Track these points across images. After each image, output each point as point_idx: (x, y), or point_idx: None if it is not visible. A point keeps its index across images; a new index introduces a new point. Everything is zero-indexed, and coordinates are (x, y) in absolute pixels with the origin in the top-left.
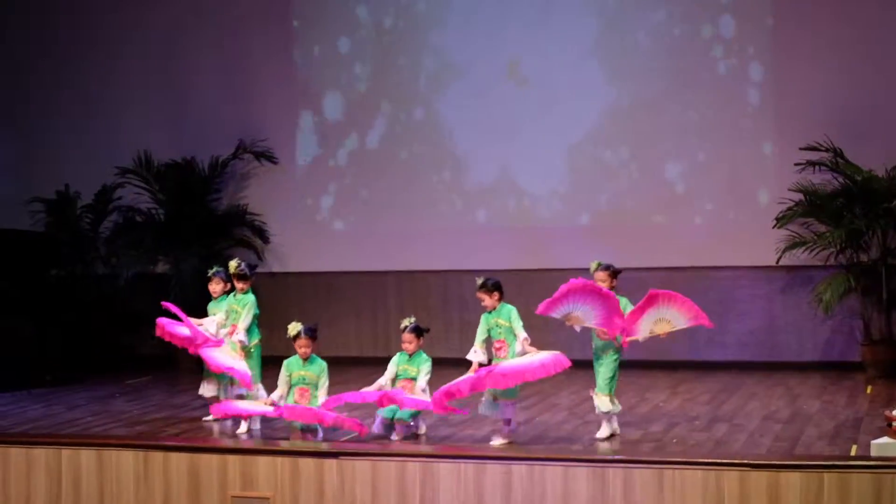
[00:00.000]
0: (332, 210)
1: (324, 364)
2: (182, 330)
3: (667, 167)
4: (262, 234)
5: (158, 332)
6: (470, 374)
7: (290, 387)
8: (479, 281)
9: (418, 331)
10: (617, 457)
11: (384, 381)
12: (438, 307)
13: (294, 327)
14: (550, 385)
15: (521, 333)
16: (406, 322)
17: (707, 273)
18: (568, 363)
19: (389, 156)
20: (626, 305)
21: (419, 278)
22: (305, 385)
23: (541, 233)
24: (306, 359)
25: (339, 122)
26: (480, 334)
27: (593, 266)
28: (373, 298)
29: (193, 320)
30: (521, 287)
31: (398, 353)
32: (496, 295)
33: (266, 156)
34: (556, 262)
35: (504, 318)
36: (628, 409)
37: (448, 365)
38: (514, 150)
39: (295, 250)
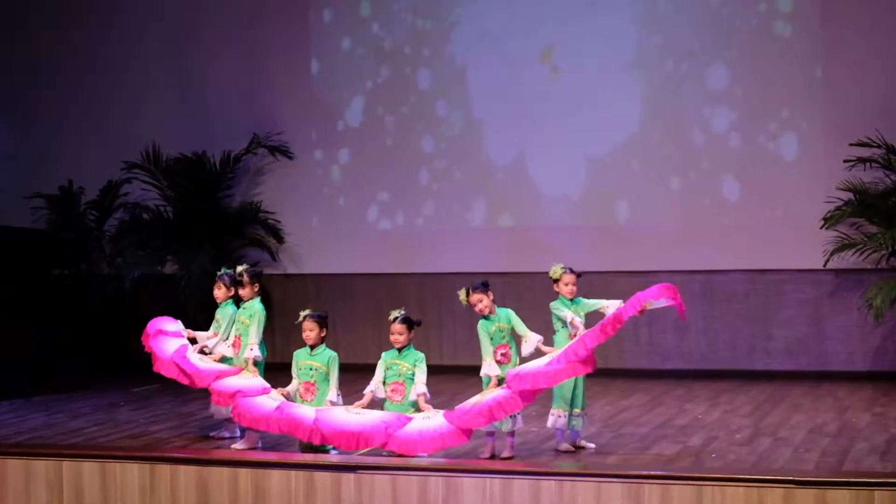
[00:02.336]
0: (351, 208)
1: (332, 354)
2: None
3: (705, 165)
4: (277, 234)
5: (163, 370)
6: (496, 391)
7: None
8: (463, 290)
9: (409, 322)
10: (653, 472)
11: (374, 385)
12: (464, 312)
13: (302, 312)
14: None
15: (534, 334)
16: (395, 313)
17: (750, 277)
18: (593, 365)
19: (411, 152)
20: (585, 304)
21: (443, 281)
22: (311, 379)
23: (566, 234)
24: (312, 347)
25: (358, 117)
26: (487, 344)
27: (559, 270)
28: (393, 302)
29: (188, 332)
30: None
31: (384, 353)
32: (492, 295)
33: (281, 150)
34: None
35: (505, 322)
36: (665, 421)
37: (474, 372)
38: (533, 142)
39: (311, 251)
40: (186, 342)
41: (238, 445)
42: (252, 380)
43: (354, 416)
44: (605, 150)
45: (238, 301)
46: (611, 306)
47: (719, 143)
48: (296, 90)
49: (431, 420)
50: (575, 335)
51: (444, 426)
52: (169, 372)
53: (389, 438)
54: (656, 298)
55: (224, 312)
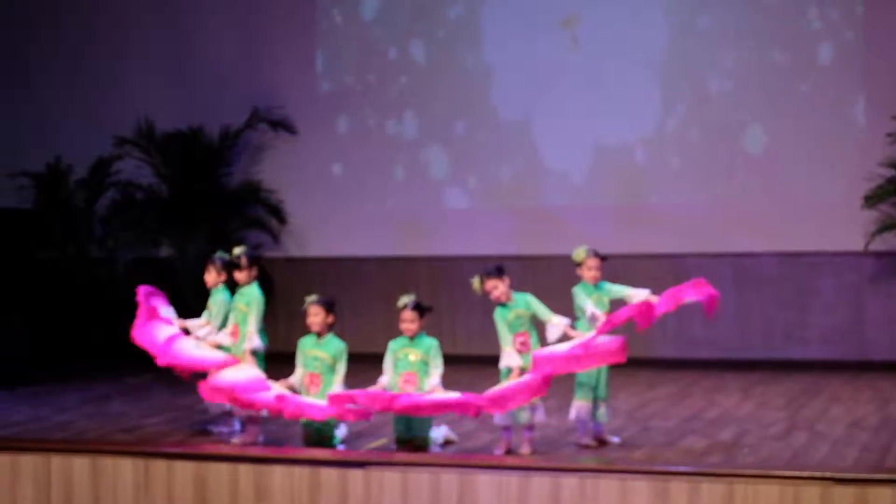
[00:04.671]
0: (357, 187)
1: (341, 345)
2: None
3: (736, 141)
4: (279, 214)
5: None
6: (517, 379)
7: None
8: (477, 277)
9: (420, 308)
10: (681, 468)
11: (386, 380)
12: (479, 299)
13: (308, 298)
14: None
15: (561, 318)
16: (405, 299)
17: (785, 260)
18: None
19: (422, 125)
20: (610, 290)
21: (456, 264)
22: (317, 370)
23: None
24: (319, 335)
25: (365, 88)
26: (506, 333)
27: (583, 253)
28: (403, 287)
29: (180, 322)
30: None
31: (392, 341)
32: (508, 280)
33: (283, 125)
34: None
35: (523, 308)
36: (694, 413)
37: (490, 362)
38: (546, 114)
39: (315, 232)
40: (179, 332)
41: (238, 440)
42: (248, 371)
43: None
44: (625, 126)
45: (233, 286)
46: (637, 296)
47: (752, 117)
48: (299, 60)
49: (444, 395)
50: None
51: (455, 397)
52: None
53: (394, 401)
54: (691, 296)
55: (215, 299)
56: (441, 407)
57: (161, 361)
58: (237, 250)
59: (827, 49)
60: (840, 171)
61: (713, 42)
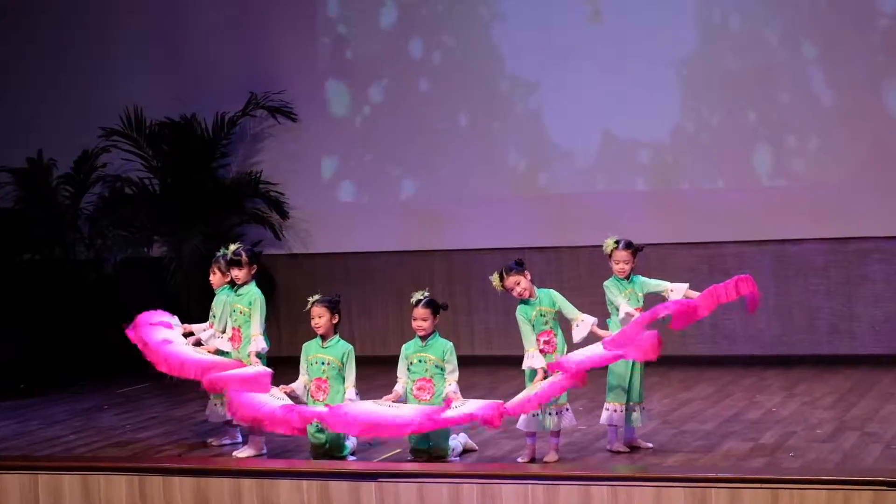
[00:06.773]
0: (364, 177)
1: (348, 347)
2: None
3: (775, 119)
4: (280, 208)
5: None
6: (543, 383)
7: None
8: (496, 273)
9: (434, 306)
10: (721, 475)
11: (401, 387)
12: (498, 295)
13: (311, 298)
14: None
15: (587, 316)
16: (418, 295)
17: (830, 246)
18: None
19: (433, 108)
20: (645, 284)
21: (472, 258)
22: (322, 375)
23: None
24: (324, 338)
25: (371, 69)
26: (529, 333)
27: (610, 244)
28: (416, 284)
29: (184, 327)
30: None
31: (405, 345)
32: (529, 275)
33: (283, 111)
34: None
35: (547, 305)
36: (734, 415)
37: (511, 363)
38: (563, 93)
39: (320, 227)
40: (178, 335)
41: (241, 453)
42: (254, 368)
43: (387, 409)
44: (656, 106)
45: (233, 286)
46: (676, 291)
47: (794, 94)
48: (299, 40)
49: (463, 407)
50: None
51: (476, 406)
52: (157, 360)
53: (406, 427)
54: (735, 296)
55: (219, 300)
56: (461, 418)
57: (162, 368)
58: (233, 246)
59: (871, 32)
60: (889, 151)
61: (753, 15)
